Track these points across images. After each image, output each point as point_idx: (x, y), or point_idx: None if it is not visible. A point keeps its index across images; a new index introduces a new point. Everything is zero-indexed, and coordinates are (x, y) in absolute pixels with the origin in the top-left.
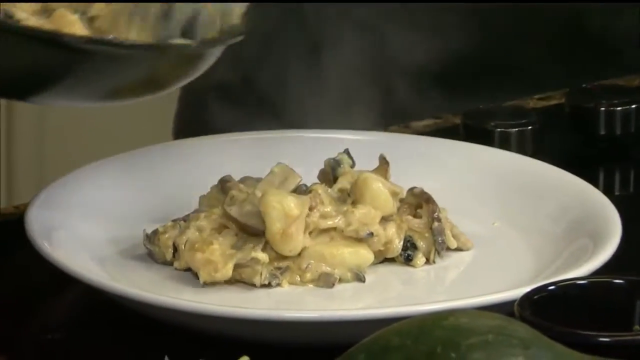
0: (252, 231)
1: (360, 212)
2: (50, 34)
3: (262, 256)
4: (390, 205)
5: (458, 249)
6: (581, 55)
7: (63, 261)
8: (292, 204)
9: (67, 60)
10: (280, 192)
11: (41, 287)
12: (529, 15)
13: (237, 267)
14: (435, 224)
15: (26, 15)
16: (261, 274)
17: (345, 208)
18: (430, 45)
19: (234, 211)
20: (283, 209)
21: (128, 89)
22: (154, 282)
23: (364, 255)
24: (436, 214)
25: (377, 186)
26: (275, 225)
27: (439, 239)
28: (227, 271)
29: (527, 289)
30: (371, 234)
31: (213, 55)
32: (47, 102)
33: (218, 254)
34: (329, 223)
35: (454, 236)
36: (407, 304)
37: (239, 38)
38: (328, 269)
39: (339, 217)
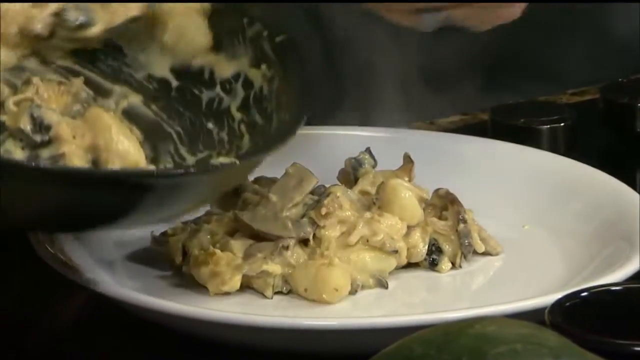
0: (264, 237)
1: (387, 222)
2: (102, 175)
3: (274, 268)
4: (419, 216)
5: (486, 253)
6: (612, 50)
7: (68, 267)
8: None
9: (122, 196)
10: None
11: (47, 293)
12: (559, 8)
13: (248, 277)
14: (461, 225)
15: (57, 118)
16: (273, 286)
17: (369, 215)
18: (456, 39)
19: (246, 216)
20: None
21: (186, 209)
22: (161, 287)
23: (387, 260)
24: (462, 215)
25: (407, 195)
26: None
27: (466, 241)
28: (235, 283)
29: (559, 295)
30: (396, 251)
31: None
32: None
33: (224, 264)
34: (354, 235)
35: (482, 240)
36: (431, 311)
37: (289, 139)
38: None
39: (361, 225)
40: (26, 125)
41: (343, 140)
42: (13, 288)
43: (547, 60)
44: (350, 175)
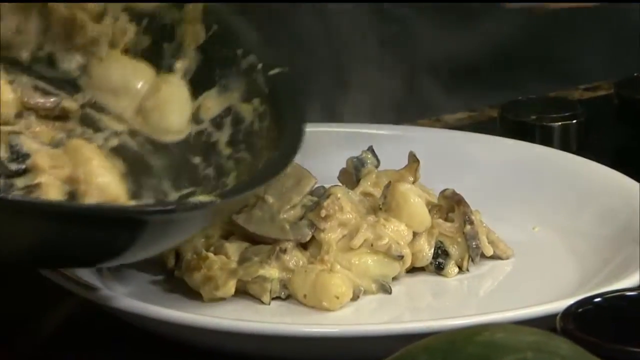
0: (260, 240)
1: (393, 228)
2: (84, 210)
3: (270, 273)
4: (427, 222)
5: (495, 257)
6: (626, 43)
7: (57, 272)
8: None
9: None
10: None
11: (36, 299)
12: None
13: (244, 282)
14: (468, 227)
15: (36, 147)
16: (270, 292)
17: (373, 219)
18: (462, 33)
19: (241, 219)
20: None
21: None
22: (153, 292)
23: (390, 264)
24: (468, 216)
25: (417, 201)
26: None
27: (473, 243)
28: (230, 289)
29: (571, 301)
30: (401, 256)
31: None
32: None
33: (217, 268)
34: (358, 238)
35: (490, 242)
36: (436, 318)
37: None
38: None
39: (364, 228)
40: (3, 153)
41: (344, 138)
42: (2, 294)
43: (558, 55)
44: (352, 175)
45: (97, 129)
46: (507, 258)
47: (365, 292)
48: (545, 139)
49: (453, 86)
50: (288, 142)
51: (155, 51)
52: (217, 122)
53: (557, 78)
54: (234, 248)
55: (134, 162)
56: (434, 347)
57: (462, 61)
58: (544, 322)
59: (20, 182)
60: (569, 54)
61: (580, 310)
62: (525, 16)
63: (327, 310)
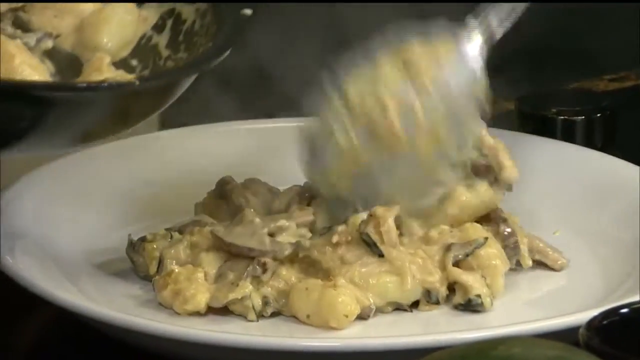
0: (237, 253)
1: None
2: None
3: (243, 291)
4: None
5: (544, 266)
6: None
7: (28, 278)
8: None
9: (25, 111)
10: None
11: (7, 308)
12: None
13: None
14: (502, 226)
15: None
16: (254, 308)
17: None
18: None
19: (220, 232)
20: None
21: (97, 131)
22: (132, 302)
23: (409, 289)
24: (500, 215)
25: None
26: None
27: (511, 242)
28: (199, 302)
29: (594, 312)
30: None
31: (185, 85)
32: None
33: (183, 279)
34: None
35: (537, 252)
36: (448, 331)
37: (211, 64)
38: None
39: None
40: None
41: None
42: None
43: (581, 43)
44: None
45: (28, 30)
46: (561, 269)
47: (378, 311)
48: (567, 134)
49: None
50: (224, 34)
51: None
52: (158, 26)
53: (580, 68)
54: (210, 259)
55: (68, 64)
56: None
57: None
58: (565, 335)
59: None
60: (593, 42)
61: (605, 322)
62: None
63: (335, 329)
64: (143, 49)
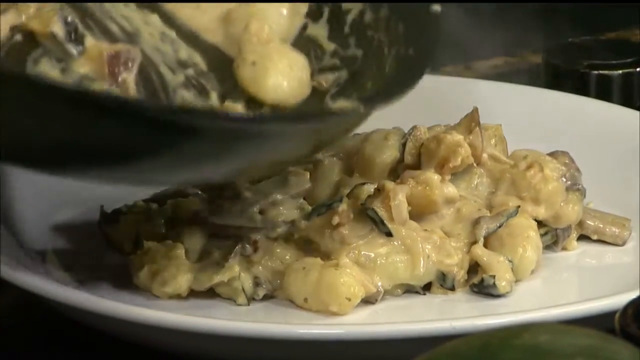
0: (224, 234)
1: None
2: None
3: (230, 273)
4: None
5: (603, 242)
6: None
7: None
8: None
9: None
10: None
11: None
12: None
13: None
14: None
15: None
16: (244, 290)
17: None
18: None
19: (205, 210)
20: None
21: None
22: (105, 283)
23: (422, 271)
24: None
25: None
26: None
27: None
28: (179, 285)
29: (632, 295)
30: (453, 288)
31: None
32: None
33: (161, 257)
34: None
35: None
36: (466, 317)
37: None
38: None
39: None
40: (58, 31)
41: None
42: None
43: None
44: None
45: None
46: (624, 243)
47: (387, 294)
48: (602, 91)
49: (488, 25)
50: (427, 38)
51: None
52: (314, 13)
53: (617, 15)
54: (193, 234)
55: (217, 58)
56: (462, 352)
57: None
58: (599, 322)
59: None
60: None
61: None
62: None
63: (336, 315)
64: (299, 41)
